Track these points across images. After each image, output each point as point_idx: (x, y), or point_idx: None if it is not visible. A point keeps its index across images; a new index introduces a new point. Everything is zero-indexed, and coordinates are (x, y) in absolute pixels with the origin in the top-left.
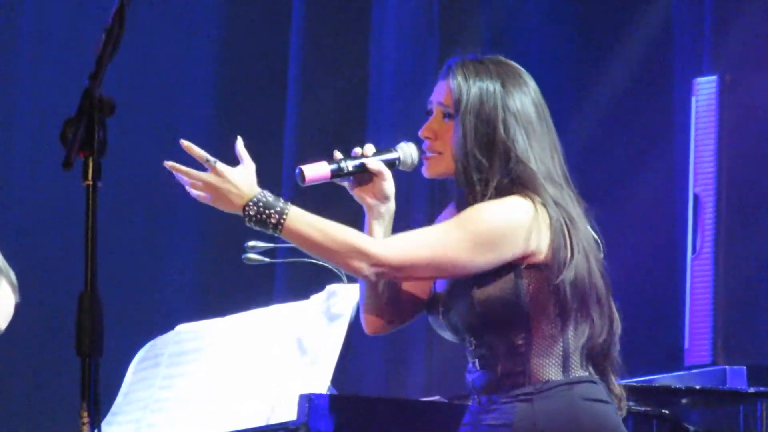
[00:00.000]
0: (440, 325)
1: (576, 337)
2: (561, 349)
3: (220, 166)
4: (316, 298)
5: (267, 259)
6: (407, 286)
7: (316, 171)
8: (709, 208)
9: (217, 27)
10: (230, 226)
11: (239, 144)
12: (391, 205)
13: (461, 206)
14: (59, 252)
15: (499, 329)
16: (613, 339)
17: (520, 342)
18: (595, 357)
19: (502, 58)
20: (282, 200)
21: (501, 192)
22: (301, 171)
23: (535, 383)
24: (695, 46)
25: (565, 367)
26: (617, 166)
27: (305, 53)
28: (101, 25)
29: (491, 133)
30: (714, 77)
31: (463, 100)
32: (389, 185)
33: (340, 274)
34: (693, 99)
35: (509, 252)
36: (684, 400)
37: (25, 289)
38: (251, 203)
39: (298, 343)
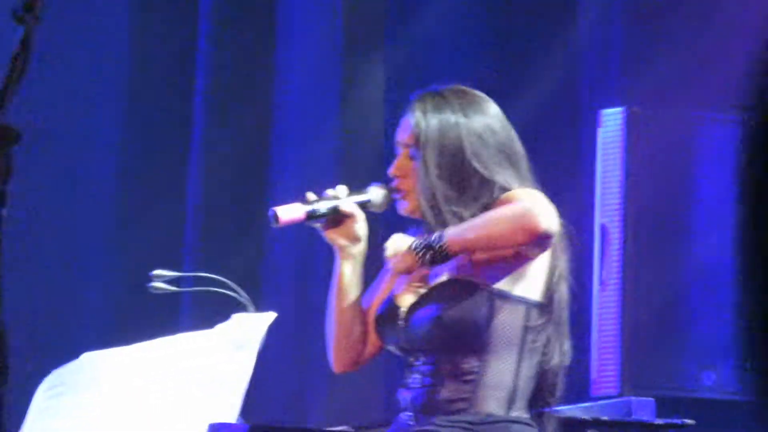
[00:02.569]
0: (392, 335)
1: (528, 376)
2: (510, 384)
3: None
4: (222, 327)
5: (173, 288)
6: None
7: (290, 213)
8: (615, 240)
9: (123, 55)
10: (137, 255)
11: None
12: (363, 246)
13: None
14: None
15: (455, 351)
16: (562, 376)
17: (471, 369)
18: (541, 388)
19: (462, 87)
20: (428, 236)
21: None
22: (275, 213)
23: (476, 413)
24: (603, 78)
25: (510, 403)
26: None
27: (211, 85)
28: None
29: (457, 161)
30: (621, 109)
31: (422, 134)
32: (361, 227)
33: (247, 303)
34: (600, 130)
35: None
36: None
37: None
38: (417, 250)
39: (204, 372)
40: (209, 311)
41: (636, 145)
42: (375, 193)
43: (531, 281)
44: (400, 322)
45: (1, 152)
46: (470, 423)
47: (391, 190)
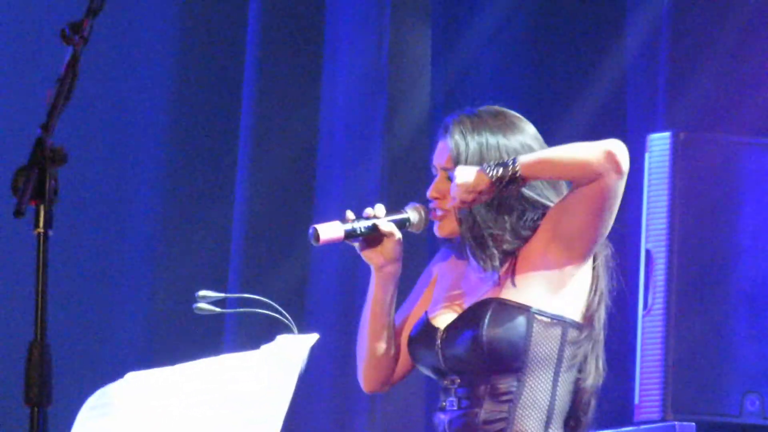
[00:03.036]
0: (427, 358)
1: (565, 395)
2: (547, 404)
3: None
4: (267, 349)
5: (218, 309)
6: (406, 337)
7: (330, 232)
8: (660, 265)
9: (169, 78)
10: (181, 276)
11: None
12: (399, 267)
13: (477, 260)
14: (8, 300)
15: (493, 371)
16: (594, 389)
17: (509, 389)
18: (576, 412)
19: (498, 108)
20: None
21: (528, 233)
22: (316, 230)
23: None
24: (649, 103)
25: (547, 422)
26: None
27: (256, 110)
28: (54, 73)
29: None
30: (668, 134)
31: (462, 157)
32: (399, 247)
33: (291, 325)
34: (646, 155)
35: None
36: None
37: None
38: (489, 169)
39: (248, 393)
40: (253, 332)
41: (682, 170)
42: (413, 213)
43: (570, 300)
44: (437, 344)
45: (50, 174)
46: None
47: (428, 212)
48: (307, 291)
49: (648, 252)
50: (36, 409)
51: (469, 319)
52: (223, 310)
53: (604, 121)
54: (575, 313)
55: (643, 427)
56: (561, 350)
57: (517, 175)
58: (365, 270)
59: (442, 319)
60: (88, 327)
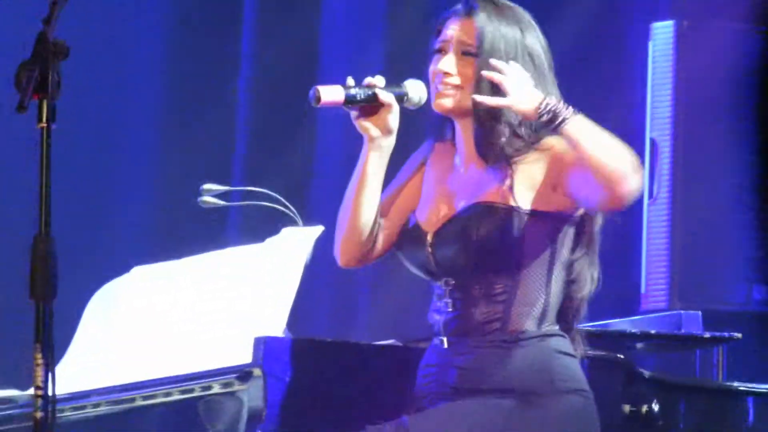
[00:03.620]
0: (419, 260)
1: (558, 291)
2: (541, 302)
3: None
4: (272, 241)
5: (222, 202)
6: (389, 217)
7: (331, 94)
8: (665, 154)
9: None
10: (185, 169)
11: None
12: (392, 140)
13: (481, 145)
14: (11, 194)
15: (486, 272)
16: (588, 297)
17: (502, 289)
18: (566, 313)
19: (513, 4)
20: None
21: (526, 133)
22: (317, 91)
23: (511, 332)
24: None
25: (541, 319)
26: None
27: (259, 2)
28: None
29: None
30: (671, 22)
31: (488, 39)
32: (395, 119)
33: (295, 217)
34: (650, 44)
35: None
36: (640, 345)
37: None
38: (543, 101)
39: (253, 285)
40: (258, 225)
41: (686, 58)
42: (413, 88)
43: (564, 201)
44: (427, 249)
45: (54, 67)
46: (505, 341)
47: (427, 90)
48: (311, 183)
49: (653, 141)
50: (41, 303)
51: (459, 223)
52: (228, 203)
53: (607, 9)
54: (570, 210)
55: (649, 315)
56: (554, 245)
57: (562, 125)
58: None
59: (431, 222)
60: (93, 221)
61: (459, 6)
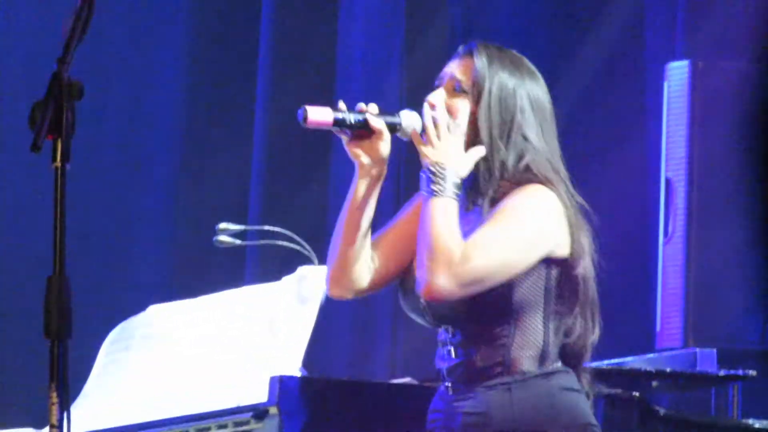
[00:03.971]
0: (416, 309)
1: (556, 333)
2: (540, 342)
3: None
4: (288, 280)
5: (238, 241)
6: (383, 253)
7: (319, 114)
8: (681, 193)
9: (188, 9)
10: (202, 208)
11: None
12: (383, 169)
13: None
14: (27, 234)
15: (482, 319)
16: (590, 345)
17: (500, 332)
18: (569, 354)
19: (516, 53)
20: (455, 189)
21: (517, 177)
22: (305, 111)
23: (513, 374)
24: (667, 31)
25: (542, 359)
26: (589, 151)
27: (276, 36)
28: (70, 7)
29: (509, 119)
30: (686, 62)
31: (486, 79)
32: (386, 147)
33: (311, 256)
34: (665, 84)
35: (547, 248)
36: (655, 383)
37: None
38: (437, 165)
39: (269, 324)
40: (274, 264)
41: (701, 98)
42: (407, 117)
43: (552, 251)
44: (422, 300)
45: (68, 107)
46: (508, 383)
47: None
48: (327, 222)
49: (668, 180)
50: (56, 342)
51: None
52: (244, 243)
53: (623, 49)
54: (560, 252)
55: (664, 354)
56: (546, 288)
57: (431, 194)
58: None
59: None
60: (109, 261)
61: (462, 47)
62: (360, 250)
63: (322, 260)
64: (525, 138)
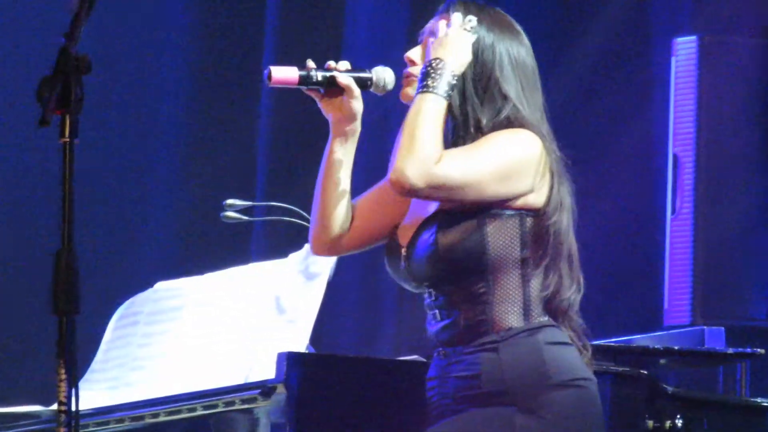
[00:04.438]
0: (401, 274)
1: (539, 289)
2: (521, 296)
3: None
4: (295, 257)
5: (245, 218)
6: (365, 212)
7: (284, 73)
8: (688, 169)
9: None
10: (209, 184)
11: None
12: (356, 126)
13: (450, 141)
14: (35, 210)
15: (460, 278)
16: (575, 300)
17: (481, 290)
18: (554, 311)
19: (500, 10)
20: (448, 88)
21: (496, 129)
22: (270, 71)
23: (498, 331)
24: (675, 6)
25: (526, 313)
26: (597, 127)
27: (281, 20)
28: None
29: (487, 73)
30: (694, 38)
31: None
32: (357, 103)
33: None
34: (672, 59)
35: (521, 187)
36: (662, 361)
37: (1, 248)
38: (437, 60)
39: (276, 301)
40: (281, 241)
41: (709, 74)
42: (378, 73)
43: (527, 199)
44: (402, 263)
45: (76, 82)
46: (493, 342)
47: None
48: None
49: (676, 156)
50: (64, 319)
51: (425, 232)
52: (251, 219)
53: (630, 24)
54: (534, 200)
55: (672, 331)
56: (521, 242)
57: (421, 89)
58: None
59: (405, 235)
60: (116, 237)
61: (443, 6)
62: (339, 208)
63: None
64: (503, 94)
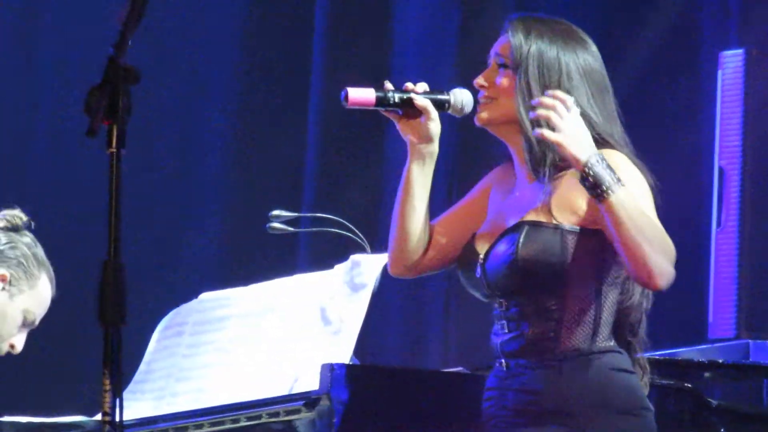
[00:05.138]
0: (473, 281)
1: (610, 307)
2: (593, 318)
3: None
4: (340, 268)
5: (291, 229)
6: (444, 234)
7: (361, 94)
8: (734, 182)
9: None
10: (254, 195)
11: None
12: (434, 148)
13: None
14: (82, 220)
15: (534, 291)
16: (643, 315)
17: (553, 307)
18: (623, 330)
19: (565, 21)
20: (612, 174)
21: None
22: (347, 92)
23: (564, 350)
24: (722, 20)
25: (594, 336)
26: (643, 140)
27: (329, 33)
28: None
29: (554, 85)
30: (740, 51)
31: (524, 49)
32: (434, 126)
33: (364, 244)
34: (719, 73)
35: None
36: (707, 374)
37: (48, 257)
38: (592, 157)
39: (321, 312)
40: (327, 252)
41: (755, 87)
42: (456, 95)
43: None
44: (479, 269)
45: (124, 92)
46: (559, 361)
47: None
48: (380, 210)
49: (721, 169)
50: (110, 329)
51: (505, 242)
52: (297, 230)
53: (677, 38)
54: None
55: (717, 344)
56: (601, 261)
57: (604, 196)
58: (439, 191)
59: (484, 242)
60: (163, 247)
61: (505, 24)
62: (417, 229)
63: (375, 248)
64: (584, 120)
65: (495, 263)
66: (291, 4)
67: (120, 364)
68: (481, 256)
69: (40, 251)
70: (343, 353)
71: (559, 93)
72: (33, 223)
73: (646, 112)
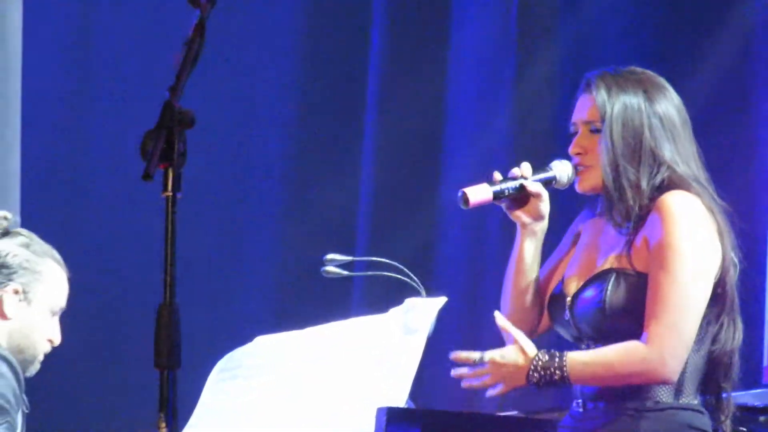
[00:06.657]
0: (562, 323)
1: (698, 361)
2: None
3: (489, 355)
4: (395, 312)
5: (345, 272)
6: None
7: (479, 194)
8: None
9: (297, 39)
10: (309, 239)
11: (499, 319)
12: (545, 224)
13: (612, 214)
14: (138, 263)
15: (620, 338)
16: (736, 356)
17: None
18: (716, 376)
19: (638, 69)
20: (555, 354)
21: (654, 193)
22: (465, 194)
23: (644, 400)
24: None
25: (678, 390)
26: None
27: (384, 69)
28: (180, 37)
29: (638, 140)
30: None
31: (608, 111)
32: (545, 205)
33: (419, 288)
34: None
35: (712, 279)
36: (762, 418)
37: (103, 301)
38: (531, 372)
39: (376, 356)
40: (381, 295)
41: None
42: (560, 170)
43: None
44: (567, 311)
45: (179, 136)
46: (636, 410)
47: (574, 167)
48: (435, 253)
49: None
50: (165, 372)
51: (593, 288)
52: (351, 273)
53: (732, 79)
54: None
55: None
56: None
57: (566, 384)
58: (492, 232)
59: (572, 286)
60: (218, 290)
61: (582, 84)
62: (530, 300)
63: (429, 291)
64: (657, 155)
65: (583, 308)
66: (346, 46)
67: (175, 407)
68: (569, 299)
69: (36, 243)
70: (399, 397)
71: (462, 355)
72: (18, 219)
73: (702, 147)
